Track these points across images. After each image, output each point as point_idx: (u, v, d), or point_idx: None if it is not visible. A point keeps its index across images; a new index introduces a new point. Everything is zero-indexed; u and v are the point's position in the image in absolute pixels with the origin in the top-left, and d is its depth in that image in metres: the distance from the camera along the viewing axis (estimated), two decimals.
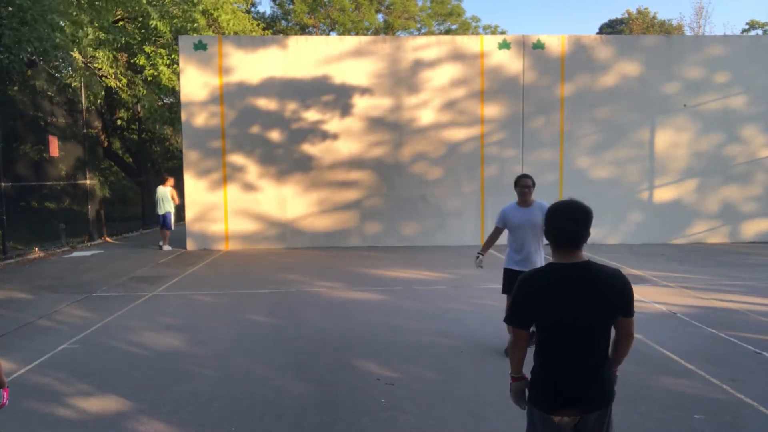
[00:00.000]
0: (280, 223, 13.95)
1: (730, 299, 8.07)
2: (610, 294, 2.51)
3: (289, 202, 13.92)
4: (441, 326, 6.82)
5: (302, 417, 4.37)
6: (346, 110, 13.91)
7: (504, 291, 5.77)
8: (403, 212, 14.09)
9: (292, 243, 13.92)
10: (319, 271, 10.63)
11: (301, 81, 13.77)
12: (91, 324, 7.03)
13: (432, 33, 32.07)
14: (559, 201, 2.68)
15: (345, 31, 29.82)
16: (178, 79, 14.76)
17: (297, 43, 13.96)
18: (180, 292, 8.93)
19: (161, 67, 16.01)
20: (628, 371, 4.99)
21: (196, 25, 15.63)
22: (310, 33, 30.37)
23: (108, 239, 15.75)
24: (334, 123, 13.91)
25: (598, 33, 41.39)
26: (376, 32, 30.92)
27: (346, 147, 13.95)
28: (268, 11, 41.63)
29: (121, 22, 16.76)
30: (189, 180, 13.79)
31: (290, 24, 31.18)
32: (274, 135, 13.87)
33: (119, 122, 18.97)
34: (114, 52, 15.77)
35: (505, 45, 13.99)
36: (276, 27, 30.55)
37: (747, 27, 39.49)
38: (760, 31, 38.39)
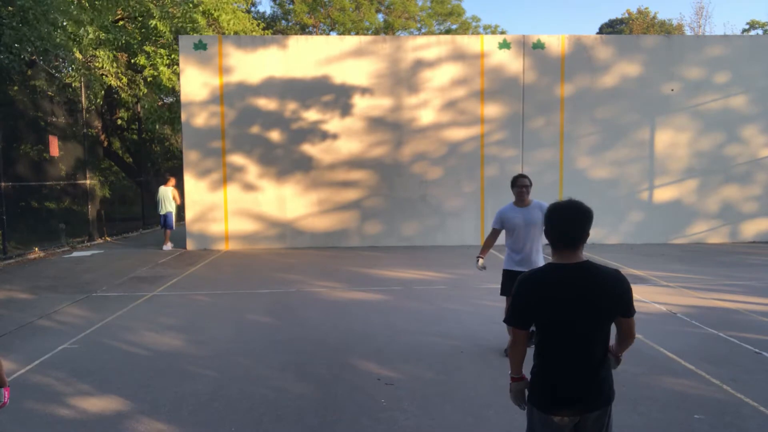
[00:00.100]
0: (280, 223, 13.95)
1: (730, 299, 8.07)
2: (609, 294, 2.50)
3: (289, 202, 13.93)
4: (441, 326, 6.82)
5: (302, 417, 4.36)
6: (346, 110, 13.91)
7: (502, 293, 5.68)
8: (403, 212, 14.09)
9: (292, 243, 13.93)
10: (319, 271, 10.63)
11: (301, 81, 13.77)
12: (91, 324, 7.03)
13: (432, 33, 32.09)
14: (558, 201, 2.68)
15: (345, 31, 29.82)
16: (178, 79, 14.77)
17: (297, 42, 13.96)
18: (180, 292, 8.93)
19: (161, 67, 16.03)
20: (628, 371, 5.00)
21: (196, 25, 15.65)
22: (310, 33, 30.38)
23: (108, 239, 15.76)
24: (334, 123, 13.91)
25: (598, 33, 41.39)
26: (376, 32, 30.93)
27: (346, 147, 13.95)
28: (268, 11, 41.71)
29: (121, 22, 16.78)
30: (189, 180, 13.79)
31: (290, 24, 31.19)
32: (274, 135, 13.87)
33: (119, 122, 19.00)
34: (114, 52, 15.78)
35: (505, 45, 13.98)
36: (276, 27, 30.56)
37: (747, 27, 39.52)
38: (760, 31, 38.40)
